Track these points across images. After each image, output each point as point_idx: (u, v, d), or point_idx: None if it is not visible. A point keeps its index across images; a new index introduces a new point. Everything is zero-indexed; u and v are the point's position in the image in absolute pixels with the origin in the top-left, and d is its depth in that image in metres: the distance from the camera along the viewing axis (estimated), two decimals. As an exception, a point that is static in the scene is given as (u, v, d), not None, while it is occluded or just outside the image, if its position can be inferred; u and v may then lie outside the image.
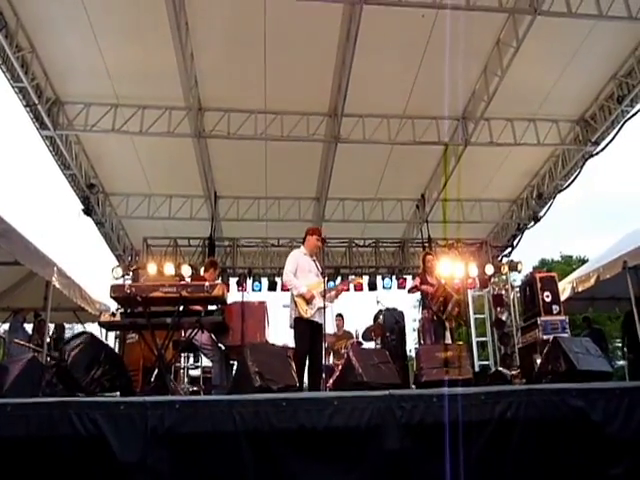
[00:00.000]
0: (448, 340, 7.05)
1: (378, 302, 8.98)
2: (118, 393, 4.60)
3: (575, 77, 8.91)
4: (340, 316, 9.35)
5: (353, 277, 7.59)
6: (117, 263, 12.06)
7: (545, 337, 8.26)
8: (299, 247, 6.30)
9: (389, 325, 8.52)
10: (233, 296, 8.12)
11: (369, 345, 9.04)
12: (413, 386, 6.36)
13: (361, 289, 11.53)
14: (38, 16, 7.35)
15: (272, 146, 9.80)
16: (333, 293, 6.19)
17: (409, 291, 7.68)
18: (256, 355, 4.68)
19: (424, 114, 9.52)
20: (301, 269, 5.91)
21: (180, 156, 9.95)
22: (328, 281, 10.80)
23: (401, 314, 8.73)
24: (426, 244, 11.79)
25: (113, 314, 4.91)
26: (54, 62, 8.13)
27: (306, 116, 9.31)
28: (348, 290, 8.92)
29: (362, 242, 12.52)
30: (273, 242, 12.04)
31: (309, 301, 5.74)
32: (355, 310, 10.21)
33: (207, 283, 4.88)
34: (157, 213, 11.31)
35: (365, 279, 12.13)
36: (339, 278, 11.60)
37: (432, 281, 7.31)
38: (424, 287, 7.24)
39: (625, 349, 9.99)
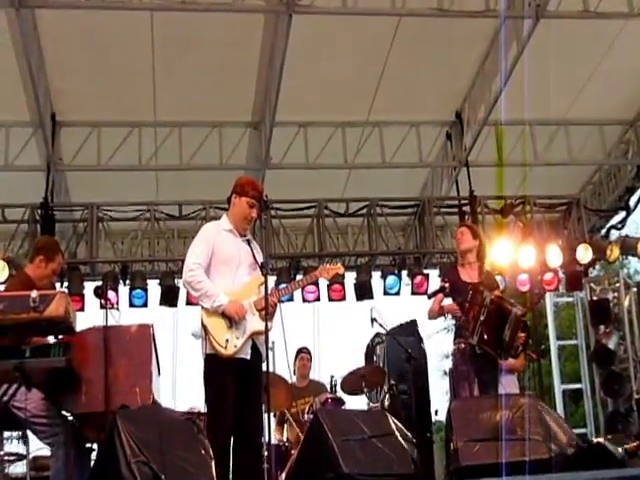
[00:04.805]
0: (507, 389, 7.17)
1: (374, 320, 9.01)
2: None
3: None
4: (306, 353, 9.47)
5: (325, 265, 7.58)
6: None
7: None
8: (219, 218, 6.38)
9: (394, 363, 8.61)
10: (89, 317, 8.05)
11: (354, 404, 9.15)
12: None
13: (342, 296, 11.57)
14: None
15: (164, 25, 9.82)
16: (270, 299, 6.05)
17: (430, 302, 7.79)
18: (136, 429, 4.68)
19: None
20: (221, 259, 5.96)
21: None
22: (278, 281, 10.94)
23: (418, 341, 8.80)
24: (466, 208, 11.89)
25: None
26: None
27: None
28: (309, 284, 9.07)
29: (344, 207, 12.61)
30: (170, 211, 12.00)
31: (236, 322, 5.74)
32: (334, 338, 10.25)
33: (34, 293, 4.83)
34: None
35: (350, 277, 12.21)
36: (299, 275, 11.60)
37: (471, 279, 7.40)
38: (435, 307, 7.55)
39: None
